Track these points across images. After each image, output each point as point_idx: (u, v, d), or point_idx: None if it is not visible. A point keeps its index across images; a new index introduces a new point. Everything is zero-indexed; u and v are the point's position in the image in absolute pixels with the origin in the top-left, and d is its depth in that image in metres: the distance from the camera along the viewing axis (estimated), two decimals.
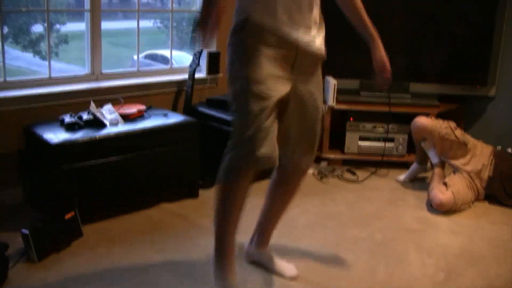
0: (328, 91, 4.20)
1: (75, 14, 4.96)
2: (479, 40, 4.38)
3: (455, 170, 3.83)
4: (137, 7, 4.03)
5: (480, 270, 2.88)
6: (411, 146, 4.24)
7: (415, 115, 4.04)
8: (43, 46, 5.15)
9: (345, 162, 4.43)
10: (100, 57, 3.79)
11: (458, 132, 3.86)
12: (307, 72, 2.36)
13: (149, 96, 3.93)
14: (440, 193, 3.60)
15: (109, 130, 3.21)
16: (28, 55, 5.95)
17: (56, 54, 5.67)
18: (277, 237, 2.78)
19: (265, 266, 2.73)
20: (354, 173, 4.28)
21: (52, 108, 3.44)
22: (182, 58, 5.01)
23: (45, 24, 3.64)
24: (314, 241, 3.12)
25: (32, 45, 5.94)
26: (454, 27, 4.38)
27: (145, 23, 5.66)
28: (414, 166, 4.17)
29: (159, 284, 2.59)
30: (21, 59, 5.89)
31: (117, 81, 3.86)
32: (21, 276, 2.60)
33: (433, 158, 3.94)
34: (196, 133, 3.52)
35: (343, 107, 4.34)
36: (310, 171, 4.08)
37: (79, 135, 3.10)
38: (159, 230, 3.15)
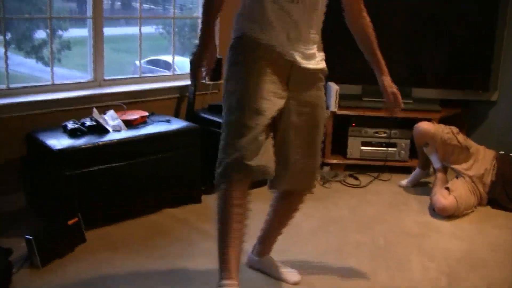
0: (330, 97, 4.21)
1: (78, 20, 4.98)
2: (481, 45, 4.39)
3: (458, 175, 3.83)
4: (139, 14, 4.05)
5: (482, 274, 2.88)
6: (414, 151, 4.24)
7: (417, 120, 4.04)
8: (46, 52, 5.16)
9: (347, 167, 4.43)
10: (102, 63, 3.80)
11: (460, 137, 3.86)
12: (303, 89, 2.33)
13: (152, 102, 3.94)
14: (443, 198, 3.60)
15: (112, 136, 3.22)
16: (31, 61, 5.96)
17: (59, 60, 5.68)
18: (280, 241, 2.78)
19: (268, 273, 2.73)
20: (356, 178, 4.28)
21: (55, 114, 3.45)
22: (184, 64, 5.02)
23: (48, 31, 3.66)
24: (316, 245, 3.13)
25: (34, 51, 5.96)
26: (456, 33, 4.39)
27: (147, 29, 5.68)
28: (416, 171, 4.17)
29: None
30: (23, 65, 5.90)
31: (119, 87, 3.87)
32: (24, 281, 2.60)
33: (436, 163, 3.94)
34: (199, 139, 3.53)
35: (345, 112, 4.34)
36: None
37: (82, 141, 3.11)
38: (161, 235, 3.15)
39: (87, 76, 3.83)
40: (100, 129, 3.26)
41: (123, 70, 6.44)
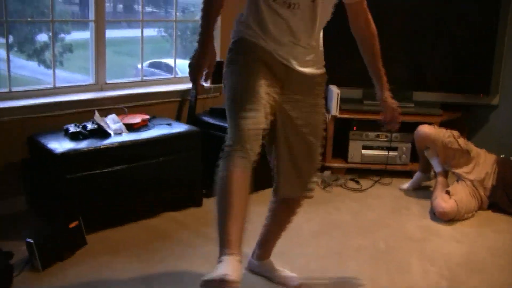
0: (331, 100, 4.21)
1: (80, 23, 4.99)
2: (482, 49, 4.39)
3: (459, 178, 3.83)
4: (141, 17, 4.06)
5: (483, 278, 2.88)
6: (415, 155, 4.24)
7: (418, 124, 4.04)
8: (48, 55, 5.18)
9: (348, 171, 4.43)
10: (104, 67, 3.81)
11: (461, 141, 3.86)
12: (299, 94, 2.33)
13: (153, 105, 3.95)
14: (443, 202, 3.60)
15: (113, 140, 3.22)
16: (33, 64, 5.97)
17: (61, 63, 5.70)
18: (281, 245, 2.78)
19: (268, 278, 2.74)
20: (357, 182, 4.28)
21: (56, 117, 3.46)
22: (186, 67, 5.02)
23: (50, 34, 3.67)
24: (317, 249, 3.13)
25: (36, 54, 5.97)
26: (457, 36, 4.39)
27: (149, 32, 5.69)
28: (417, 174, 4.17)
29: None
30: (25, 68, 5.92)
31: (121, 90, 3.88)
32: (25, 284, 2.61)
33: (436, 166, 3.94)
34: (200, 142, 3.54)
35: (346, 116, 4.34)
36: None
37: (83, 144, 3.11)
38: (162, 239, 3.16)
39: (89, 79, 3.84)
40: (102, 133, 3.27)
41: (125, 73, 6.45)
